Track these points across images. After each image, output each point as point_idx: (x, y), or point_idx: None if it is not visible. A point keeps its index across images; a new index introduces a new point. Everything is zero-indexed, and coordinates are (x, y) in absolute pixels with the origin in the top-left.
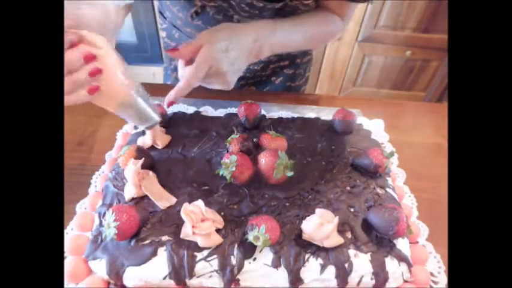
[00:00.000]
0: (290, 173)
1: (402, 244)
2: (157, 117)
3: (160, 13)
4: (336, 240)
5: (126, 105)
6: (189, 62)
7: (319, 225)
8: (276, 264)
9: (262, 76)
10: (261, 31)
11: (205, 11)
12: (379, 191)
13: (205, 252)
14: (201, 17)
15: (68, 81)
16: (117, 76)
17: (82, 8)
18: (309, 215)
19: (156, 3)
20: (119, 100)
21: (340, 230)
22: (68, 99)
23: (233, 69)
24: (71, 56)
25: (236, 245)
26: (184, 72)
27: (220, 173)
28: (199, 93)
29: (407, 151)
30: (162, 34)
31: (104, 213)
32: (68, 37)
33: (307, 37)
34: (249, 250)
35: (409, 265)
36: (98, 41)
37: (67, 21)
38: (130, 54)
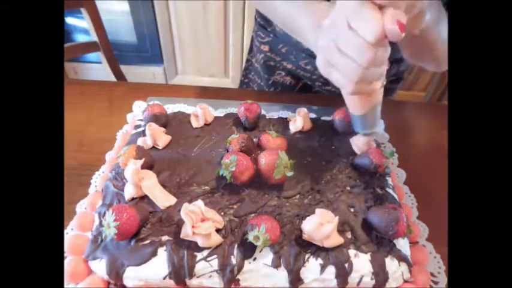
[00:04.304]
0: (290, 173)
1: (402, 244)
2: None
3: (263, 27)
4: (336, 240)
5: (375, 107)
6: None
7: (319, 225)
8: (276, 264)
9: None
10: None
11: None
12: (379, 191)
13: (205, 252)
14: None
15: (376, 71)
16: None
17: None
18: (309, 215)
19: (156, 3)
20: (376, 100)
21: (340, 230)
22: (363, 88)
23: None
24: (386, 50)
25: (236, 245)
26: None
27: (220, 173)
28: (199, 93)
29: (407, 151)
30: (264, 48)
31: (104, 213)
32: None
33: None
34: (249, 250)
35: (409, 265)
36: None
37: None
38: (130, 54)
